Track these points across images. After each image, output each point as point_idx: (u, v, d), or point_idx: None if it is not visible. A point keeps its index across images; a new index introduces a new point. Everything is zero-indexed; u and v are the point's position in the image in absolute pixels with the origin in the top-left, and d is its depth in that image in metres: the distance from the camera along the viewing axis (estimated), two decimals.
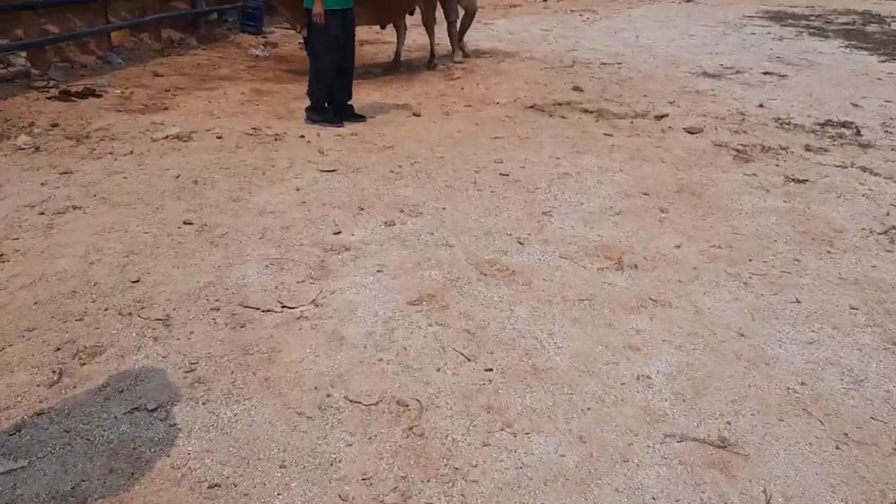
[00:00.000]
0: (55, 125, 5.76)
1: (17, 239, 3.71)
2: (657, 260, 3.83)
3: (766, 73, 9.08)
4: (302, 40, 10.10)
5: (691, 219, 4.42)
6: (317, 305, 3.18)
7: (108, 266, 3.44)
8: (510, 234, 4.05)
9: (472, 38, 10.98)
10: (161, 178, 4.67)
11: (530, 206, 4.49)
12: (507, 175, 5.04)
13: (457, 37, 9.49)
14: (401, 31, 9.01)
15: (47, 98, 6.56)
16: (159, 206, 4.20)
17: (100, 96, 6.84)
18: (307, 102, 7.11)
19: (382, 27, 8.95)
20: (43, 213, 4.04)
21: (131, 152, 5.16)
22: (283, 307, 3.15)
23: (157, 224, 3.94)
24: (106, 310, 3.05)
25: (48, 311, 3.02)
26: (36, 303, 3.08)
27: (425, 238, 3.95)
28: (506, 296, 3.36)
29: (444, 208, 4.39)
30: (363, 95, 7.46)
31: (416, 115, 6.78)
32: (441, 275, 3.53)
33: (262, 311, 3.10)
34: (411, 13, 8.89)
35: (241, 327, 2.98)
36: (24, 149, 5.14)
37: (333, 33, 5.95)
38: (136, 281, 3.30)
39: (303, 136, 5.77)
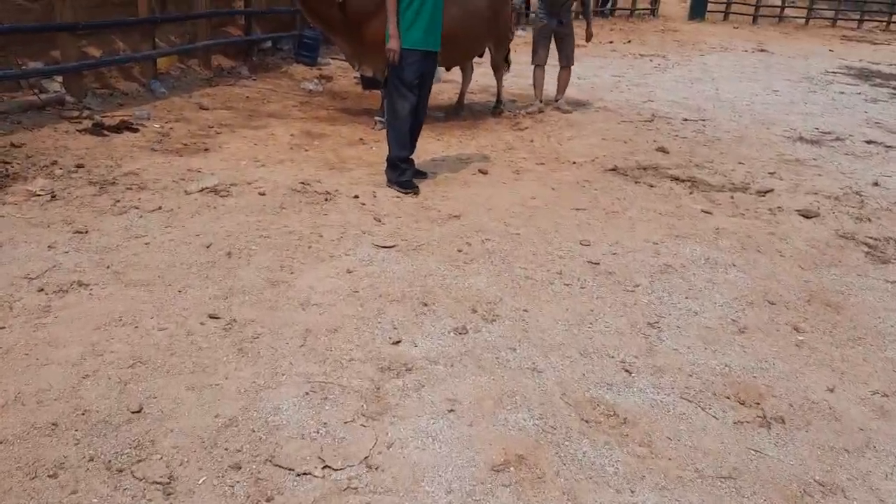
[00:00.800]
0: (80, 166, 5.09)
1: (2, 328, 2.97)
2: (808, 411, 2.95)
3: (869, 142, 8.12)
4: (358, 76, 9.47)
5: (835, 345, 3.52)
6: (370, 468, 2.36)
7: (106, 382, 2.68)
8: (612, 357, 3.21)
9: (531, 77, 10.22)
10: (189, 246, 3.93)
11: (632, 313, 3.64)
12: (598, 264, 4.21)
13: (565, 84, 8.71)
14: (467, 72, 8.28)
15: (78, 131, 5.93)
16: (182, 287, 3.45)
17: (136, 131, 6.20)
18: (362, 149, 6.40)
19: (448, 69, 8.22)
20: (42, 290, 3.31)
21: (159, 208, 4.45)
22: (324, 467, 2.34)
23: (175, 316, 3.18)
24: (91, 460, 2.28)
25: (12, 458, 2.26)
26: (0, 442, 2.32)
27: (506, 356, 3.13)
28: (621, 465, 2.50)
29: (525, 310, 3.56)
30: (422, 143, 6.71)
31: (483, 172, 6.00)
32: (531, 420, 2.69)
33: (297, 475, 2.30)
34: (480, 55, 8.15)
35: (268, 502, 2.18)
36: (39, 195, 4.47)
37: (409, 79, 5.20)
38: (138, 411, 2.52)
39: (357, 197, 5.01)
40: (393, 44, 5.07)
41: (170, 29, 8.41)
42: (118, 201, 4.51)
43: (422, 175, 5.66)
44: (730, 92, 11.09)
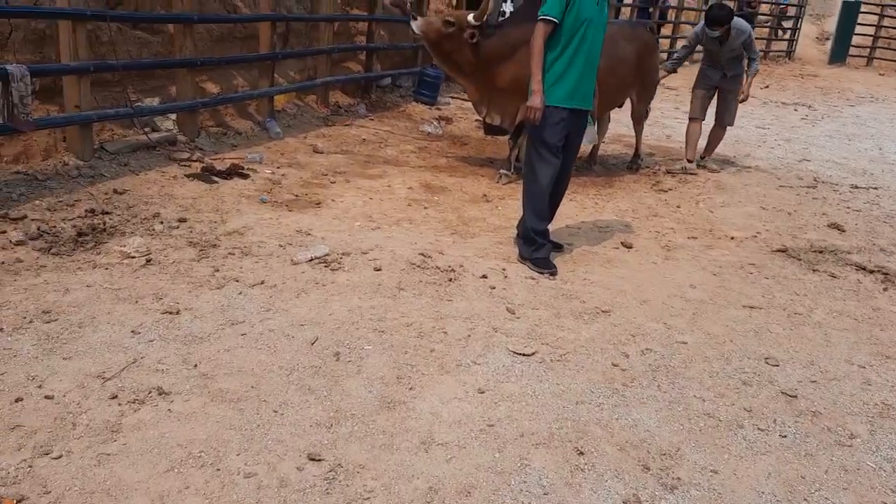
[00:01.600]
0: (183, 220, 4.61)
1: (59, 458, 2.38)
2: None
3: None
4: (481, 119, 8.82)
5: None
6: None
7: None
8: None
9: (671, 128, 9.29)
10: (291, 341, 3.29)
11: (856, 484, 2.71)
12: (795, 397, 3.28)
13: (716, 144, 7.79)
14: (604, 124, 7.46)
15: (186, 176, 5.51)
16: (278, 405, 2.79)
17: (246, 177, 5.72)
18: (486, 209, 5.69)
19: None
20: (115, 398, 2.72)
21: (262, 282, 3.85)
22: None
23: (267, 453, 2.51)
24: None
25: None
26: None
27: None
28: None
29: (714, 471, 2.70)
30: None
31: (627, 246, 5.16)
32: None
33: None
34: (620, 105, 7.33)
35: None
36: (133, 257, 3.97)
37: (552, 141, 4.46)
38: None
39: (485, 277, 4.27)
40: (535, 101, 4.34)
41: (289, 64, 8.03)
42: (217, 270, 3.95)
43: (557, 248, 4.87)
44: (890, 145, 9.77)
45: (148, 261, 3.97)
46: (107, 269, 3.83)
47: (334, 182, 6.01)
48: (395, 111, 9.15)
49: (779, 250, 5.35)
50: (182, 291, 3.66)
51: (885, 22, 24.43)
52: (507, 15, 10.13)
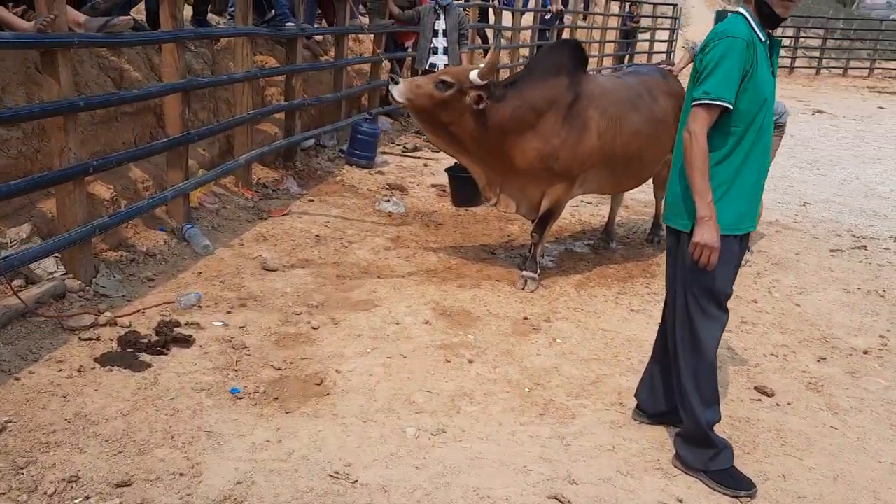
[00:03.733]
0: (124, 484, 2.61)
1: None
2: None
3: None
4: (444, 184, 7.12)
5: None
6: None
7: None
8: None
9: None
10: None
11: None
12: None
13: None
14: (620, 197, 5.97)
15: (97, 361, 3.45)
16: None
17: (190, 342, 3.73)
18: (544, 344, 4.03)
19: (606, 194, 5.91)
20: None
21: None
22: None
23: None
24: None
25: None
26: None
27: None
28: None
29: None
30: (593, 303, 4.39)
31: (765, 393, 3.69)
32: None
33: None
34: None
35: None
36: None
37: (723, 289, 2.89)
38: None
39: None
40: (707, 234, 2.73)
41: (198, 145, 5.95)
42: None
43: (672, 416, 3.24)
44: (867, 174, 9.01)
45: None
46: None
47: (318, 328, 4.11)
48: (330, 182, 7.24)
49: None
50: None
51: None
52: (443, 33, 8.51)
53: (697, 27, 26.55)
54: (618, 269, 5.45)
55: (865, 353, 4.28)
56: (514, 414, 3.38)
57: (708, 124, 2.76)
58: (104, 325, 3.76)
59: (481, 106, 4.52)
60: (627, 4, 20.09)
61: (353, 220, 6.17)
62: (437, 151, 8.84)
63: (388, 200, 6.68)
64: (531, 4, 14.52)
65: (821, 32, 26.88)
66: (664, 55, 22.53)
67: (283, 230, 5.68)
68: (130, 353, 3.54)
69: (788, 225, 6.83)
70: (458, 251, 5.61)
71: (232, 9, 6.71)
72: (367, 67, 9.50)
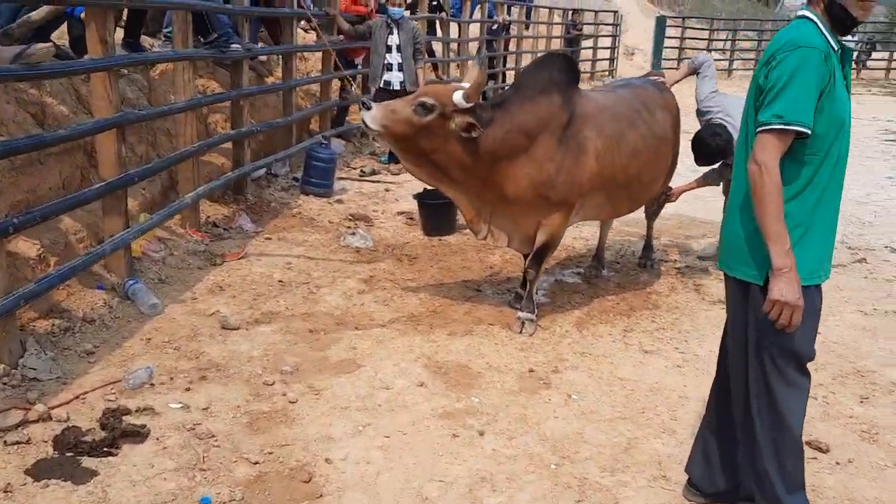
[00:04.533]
0: None
1: None
2: None
3: None
4: (413, 212, 6.57)
5: None
6: None
7: None
8: None
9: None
10: None
11: None
12: None
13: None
14: (610, 220, 5.49)
15: (28, 473, 2.77)
16: None
17: (143, 435, 3.09)
18: (559, 403, 3.52)
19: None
20: None
21: None
22: None
23: None
24: None
25: None
26: None
27: None
28: None
29: None
30: (600, 345, 3.90)
31: (822, 449, 3.23)
32: None
33: None
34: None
35: None
36: None
37: (807, 349, 2.40)
38: None
39: None
40: (787, 290, 2.25)
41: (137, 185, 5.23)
42: None
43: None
44: None
45: None
46: None
47: (295, 401, 3.49)
48: (287, 215, 6.59)
49: None
50: None
51: (688, 34, 25.33)
52: (397, 48, 7.95)
53: (634, 33, 26.77)
54: (617, 302, 4.98)
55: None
56: (548, 503, 2.83)
57: (780, 154, 2.28)
58: (36, 422, 3.07)
59: (474, 135, 3.99)
60: (570, 13, 20.00)
61: (318, 259, 5.54)
62: (399, 174, 8.35)
63: (354, 234, 6.07)
64: (476, 15, 14.14)
65: (753, 35, 27.43)
66: (607, 62, 22.50)
67: (241, 277, 5.02)
68: (70, 457, 2.87)
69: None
70: (439, 290, 5.05)
71: (168, 30, 6.01)
72: (315, 87, 8.88)
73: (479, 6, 14.19)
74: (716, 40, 26.00)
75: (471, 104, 3.99)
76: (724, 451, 2.71)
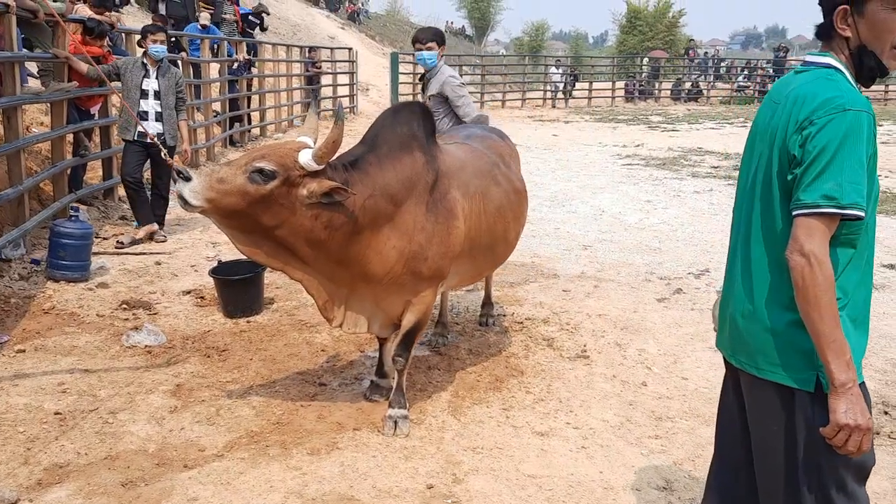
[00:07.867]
0: None
1: None
2: None
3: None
4: (209, 289, 5.47)
5: None
6: None
7: None
8: None
9: None
10: None
11: None
12: None
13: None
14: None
15: None
16: None
17: None
18: None
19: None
20: None
21: None
22: None
23: None
24: None
25: None
26: None
27: None
28: None
29: None
30: (486, 433, 3.40)
31: None
32: None
33: None
34: None
35: None
36: None
37: (870, 465, 2.01)
38: None
39: None
40: (856, 408, 1.85)
41: None
42: None
43: None
44: (606, 205, 9.25)
45: None
46: None
47: None
48: (38, 313, 5.12)
49: None
50: None
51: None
52: (155, 95, 6.75)
53: (365, 69, 26.97)
54: (479, 373, 4.43)
55: None
56: None
57: (828, 241, 1.87)
58: None
59: (338, 199, 3.21)
60: (307, 50, 19.51)
61: (100, 371, 4.29)
62: (164, 241, 7.10)
63: (138, 329, 4.84)
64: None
65: (467, 69, 29.14)
66: (347, 98, 22.31)
67: (0, 416, 3.64)
68: None
69: (596, 276, 6.43)
70: (274, 391, 4.11)
71: None
72: (45, 146, 7.27)
73: (217, 45, 13.09)
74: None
75: (322, 166, 3.21)
76: None
